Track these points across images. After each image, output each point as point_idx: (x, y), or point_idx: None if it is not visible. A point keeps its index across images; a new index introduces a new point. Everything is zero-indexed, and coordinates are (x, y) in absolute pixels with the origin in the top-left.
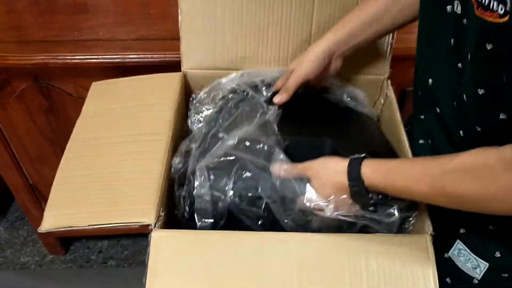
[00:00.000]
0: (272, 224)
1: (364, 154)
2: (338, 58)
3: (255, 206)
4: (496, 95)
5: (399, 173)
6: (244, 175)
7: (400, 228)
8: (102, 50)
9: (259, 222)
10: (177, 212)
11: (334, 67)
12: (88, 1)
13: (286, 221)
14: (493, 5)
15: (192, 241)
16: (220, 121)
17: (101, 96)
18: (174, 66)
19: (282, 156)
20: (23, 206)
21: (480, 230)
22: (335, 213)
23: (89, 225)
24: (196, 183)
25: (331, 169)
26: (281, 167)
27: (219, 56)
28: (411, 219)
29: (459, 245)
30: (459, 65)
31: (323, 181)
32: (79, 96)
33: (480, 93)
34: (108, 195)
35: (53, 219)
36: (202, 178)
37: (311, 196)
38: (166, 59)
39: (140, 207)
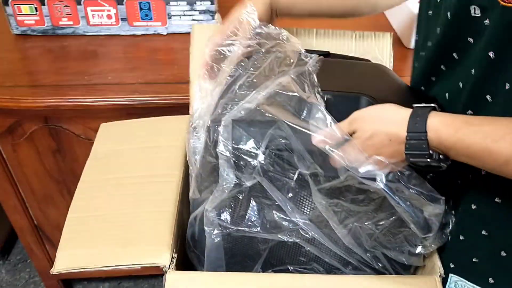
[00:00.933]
0: (300, 200)
1: (434, 104)
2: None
3: (287, 176)
4: None
5: (477, 127)
6: (280, 139)
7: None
8: (111, 93)
9: (288, 195)
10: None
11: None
12: (98, 48)
13: (317, 197)
14: None
15: (206, 282)
16: (248, 69)
17: (110, 138)
18: (179, 107)
19: (321, 113)
20: (27, 247)
21: (468, 264)
22: (373, 169)
23: (102, 266)
24: (221, 139)
25: (388, 118)
26: (321, 132)
27: None
28: (450, 226)
29: (453, 278)
30: (473, 71)
31: (373, 131)
32: (86, 138)
33: (507, 87)
34: (120, 236)
35: (66, 260)
36: (227, 134)
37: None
38: (172, 101)
39: (153, 248)
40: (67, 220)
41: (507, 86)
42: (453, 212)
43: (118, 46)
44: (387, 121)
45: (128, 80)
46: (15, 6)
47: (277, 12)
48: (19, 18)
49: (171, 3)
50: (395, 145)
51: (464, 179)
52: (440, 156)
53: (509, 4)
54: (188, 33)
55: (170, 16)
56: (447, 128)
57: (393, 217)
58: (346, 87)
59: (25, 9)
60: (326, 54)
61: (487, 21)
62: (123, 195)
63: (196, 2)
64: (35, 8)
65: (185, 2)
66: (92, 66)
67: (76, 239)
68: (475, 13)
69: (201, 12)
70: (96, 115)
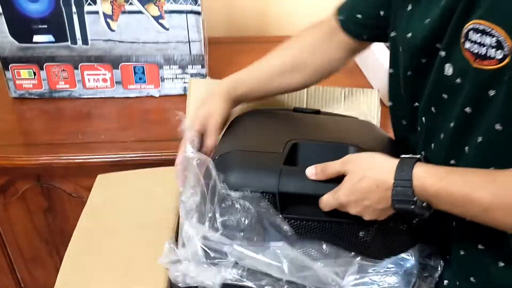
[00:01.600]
0: None
1: (419, 156)
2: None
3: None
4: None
5: (458, 176)
6: None
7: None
8: (104, 150)
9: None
10: None
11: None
12: (93, 110)
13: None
14: (490, 53)
15: None
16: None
17: (107, 187)
18: (170, 163)
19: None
20: None
21: None
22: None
23: None
24: None
25: (377, 165)
26: (314, 169)
27: None
28: (438, 270)
29: None
30: (451, 124)
31: (363, 175)
32: (78, 196)
33: (479, 140)
34: (116, 275)
35: None
36: None
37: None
38: (162, 157)
39: (150, 286)
40: (63, 264)
41: (479, 139)
42: (447, 257)
43: (112, 108)
44: (377, 168)
45: (121, 138)
46: (15, 70)
47: (236, 99)
48: (18, 82)
49: (164, 67)
50: (381, 191)
51: (450, 226)
52: (424, 204)
53: (479, 66)
54: (180, 95)
55: (162, 79)
56: (430, 177)
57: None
58: (336, 139)
59: (24, 73)
60: (316, 112)
61: (458, 80)
62: (119, 240)
63: (188, 66)
64: (34, 72)
65: (177, 66)
66: (86, 126)
67: (72, 280)
68: (447, 72)
69: (193, 75)
70: (88, 172)
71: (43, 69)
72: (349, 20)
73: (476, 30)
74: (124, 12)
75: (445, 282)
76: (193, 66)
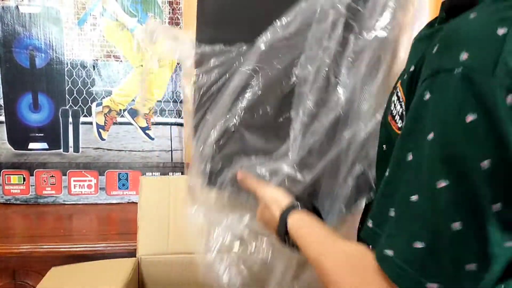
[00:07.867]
0: None
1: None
2: None
3: None
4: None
5: (307, 235)
6: None
7: None
8: (87, 240)
9: None
10: None
11: None
12: (75, 214)
13: None
14: (397, 118)
15: None
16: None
17: (56, 279)
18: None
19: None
20: None
21: None
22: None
23: None
24: None
25: (273, 214)
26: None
27: (172, 242)
28: None
29: None
30: None
31: (265, 218)
32: None
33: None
34: None
35: None
36: None
37: None
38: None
39: None
40: None
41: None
42: None
43: (93, 212)
44: (271, 216)
45: (102, 232)
46: (6, 176)
47: None
48: (6, 187)
49: (147, 174)
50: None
51: None
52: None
53: (389, 121)
54: None
55: None
56: (293, 228)
57: None
58: None
59: (14, 179)
60: None
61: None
62: None
63: (169, 173)
64: (23, 178)
65: (159, 173)
66: (68, 224)
67: None
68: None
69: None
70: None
71: (33, 175)
72: None
73: (397, 93)
74: (115, 123)
75: None
76: (174, 173)
